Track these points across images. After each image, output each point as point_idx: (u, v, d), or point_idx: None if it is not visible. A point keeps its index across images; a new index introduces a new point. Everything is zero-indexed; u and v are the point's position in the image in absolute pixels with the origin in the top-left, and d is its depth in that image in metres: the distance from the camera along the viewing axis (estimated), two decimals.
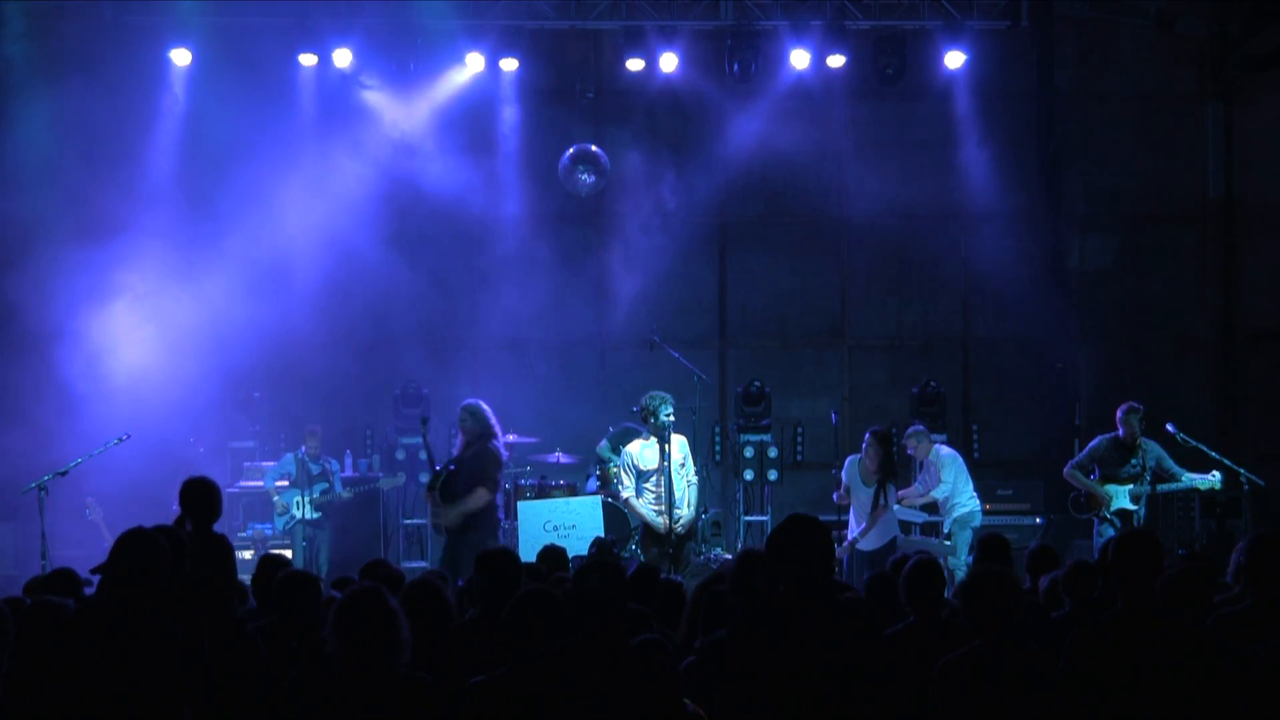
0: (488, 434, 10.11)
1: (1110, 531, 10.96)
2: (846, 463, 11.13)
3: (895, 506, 11.78)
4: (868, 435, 10.91)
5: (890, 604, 6.31)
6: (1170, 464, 11.27)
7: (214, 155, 13.44)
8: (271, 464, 12.92)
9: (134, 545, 4.96)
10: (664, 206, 14.55)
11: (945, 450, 12.00)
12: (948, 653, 5.15)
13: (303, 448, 12.54)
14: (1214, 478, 11.19)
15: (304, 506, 12.35)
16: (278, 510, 12.52)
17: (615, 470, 11.63)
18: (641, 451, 10.56)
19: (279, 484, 12.54)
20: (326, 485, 12.56)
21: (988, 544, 7.44)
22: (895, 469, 11.05)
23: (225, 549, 7.11)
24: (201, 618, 5.25)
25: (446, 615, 5.89)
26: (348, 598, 4.63)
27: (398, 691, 4.57)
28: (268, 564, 6.93)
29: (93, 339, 12.65)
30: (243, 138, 13.31)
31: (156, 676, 4.73)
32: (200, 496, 7.06)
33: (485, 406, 10.26)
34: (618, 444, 12.28)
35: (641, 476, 10.51)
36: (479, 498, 9.87)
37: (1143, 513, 11.26)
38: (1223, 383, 14.77)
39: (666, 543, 10.43)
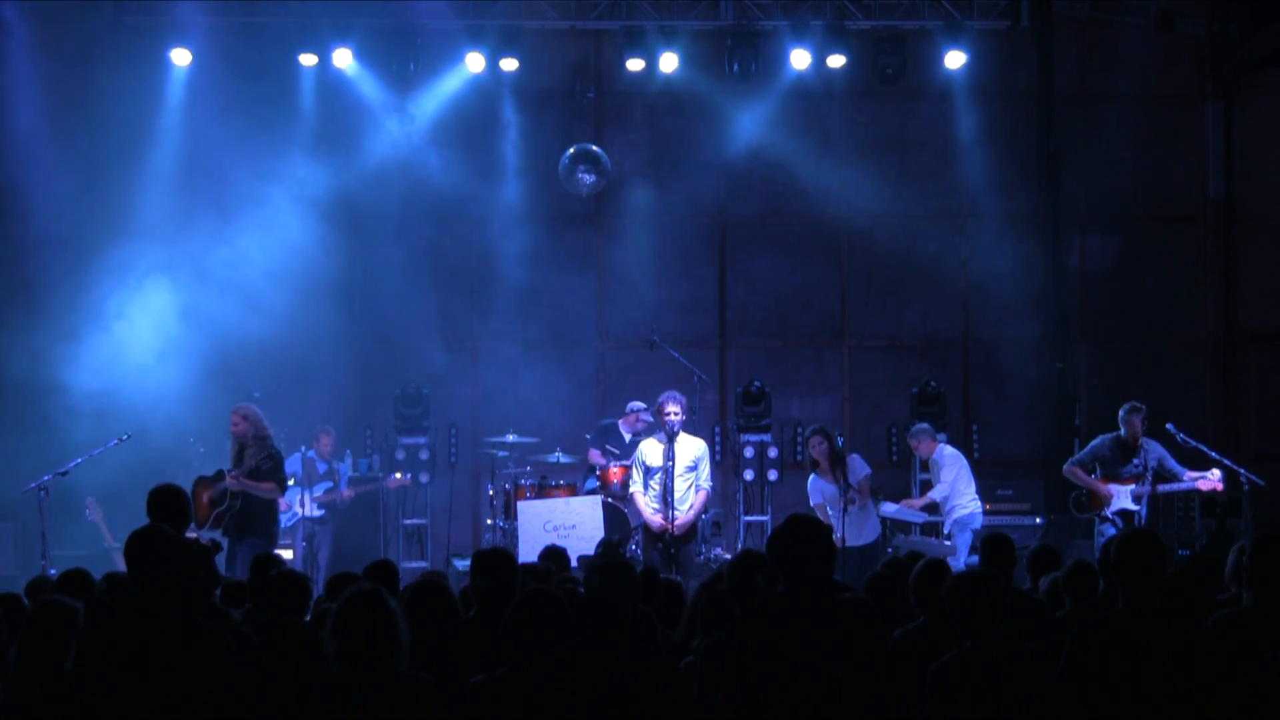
0: (266, 435, 10.46)
1: (1111, 531, 10.98)
2: (810, 486, 11.33)
3: (895, 506, 11.87)
4: (813, 438, 11.31)
5: (891, 604, 6.31)
6: (1172, 464, 11.28)
7: (214, 155, 13.44)
8: None
9: (162, 545, 4.95)
10: (664, 206, 14.55)
11: (948, 450, 12.05)
12: (947, 654, 5.16)
13: (312, 448, 12.53)
14: (1212, 476, 11.20)
15: (307, 503, 12.34)
16: (280, 508, 12.44)
17: (616, 470, 11.69)
18: (650, 449, 10.67)
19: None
20: (331, 484, 12.58)
21: (992, 543, 7.43)
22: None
23: (201, 553, 7.14)
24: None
25: (454, 615, 5.90)
26: (348, 598, 4.63)
27: (399, 691, 4.57)
28: (260, 564, 6.99)
29: (93, 338, 12.64)
30: (243, 138, 13.32)
31: (191, 676, 4.72)
32: (168, 503, 7.05)
33: (258, 409, 10.60)
34: (602, 444, 12.34)
35: (649, 473, 10.61)
36: (271, 490, 10.32)
37: (1144, 512, 11.27)
38: (1223, 383, 14.76)
39: (662, 542, 10.47)
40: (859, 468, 11.40)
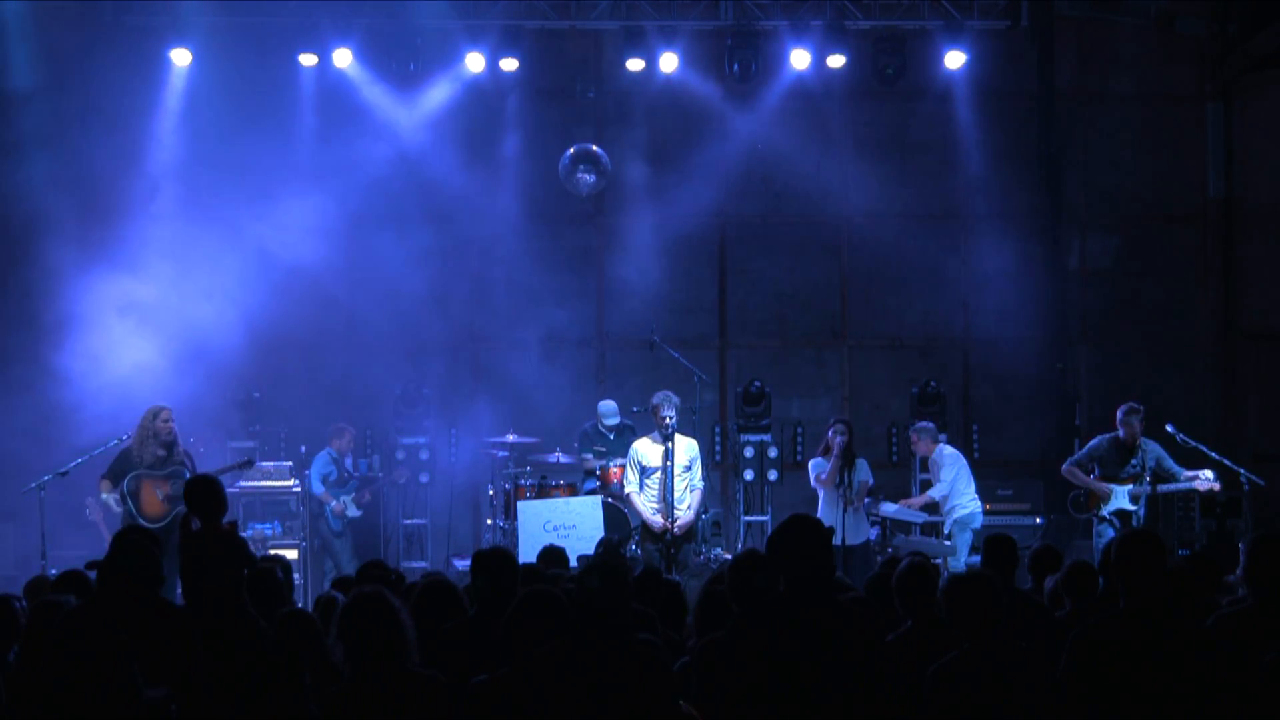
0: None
1: (1110, 532, 11.01)
2: (811, 465, 11.46)
3: (895, 506, 11.91)
4: (837, 424, 11.38)
5: (891, 605, 6.31)
6: (1170, 464, 11.30)
7: (214, 155, 13.44)
8: (271, 465, 12.91)
9: (133, 543, 4.98)
10: (664, 206, 14.54)
11: (948, 450, 12.07)
12: (945, 656, 5.16)
13: (332, 447, 12.73)
14: (1205, 474, 11.22)
15: (348, 504, 12.64)
16: (334, 512, 12.59)
17: (616, 469, 11.72)
18: (647, 449, 10.72)
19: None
20: (359, 483, 12.75)
21: (994, 544, 7.43)
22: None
23: (236, 542, 7.20)
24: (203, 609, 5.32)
25: (464, 615, 5.91)
26: (351, 602, 4.65)
27: (412, 690, 4.58)
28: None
29: (93, 339, 12.62)
30: (243, 138, 13.32)
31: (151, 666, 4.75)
32: (204, 494, 7.13)
33: None
34: (590, 447, 12.40)
35: (645, 473, 10.69)
36: None
37: (1142, 513, 11.29)
38: (1223, 383, 14.76)
39: (662, 541, 10.54)
40: (862, 472, 11.45)
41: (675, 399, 10.81)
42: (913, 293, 14.89)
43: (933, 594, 5.92)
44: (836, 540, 10.80)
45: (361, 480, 12.95)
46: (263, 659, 4.99)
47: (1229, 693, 4.81)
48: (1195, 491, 11.63)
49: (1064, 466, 11.59)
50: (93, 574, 6.78)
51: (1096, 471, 11.37)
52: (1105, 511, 11.27)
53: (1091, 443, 11.58)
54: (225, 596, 5.45)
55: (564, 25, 14.12)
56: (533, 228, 14.34)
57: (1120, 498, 11.23)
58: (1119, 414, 11.34)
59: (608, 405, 12.61)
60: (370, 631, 4.58)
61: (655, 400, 10.79)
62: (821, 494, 11.54)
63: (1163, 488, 11.34)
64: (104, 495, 10.71)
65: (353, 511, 12.69)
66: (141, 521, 10.48)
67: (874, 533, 11.84)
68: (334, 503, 12.56)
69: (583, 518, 11.29)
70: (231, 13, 13.44)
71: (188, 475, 10.17)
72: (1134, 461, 11.26)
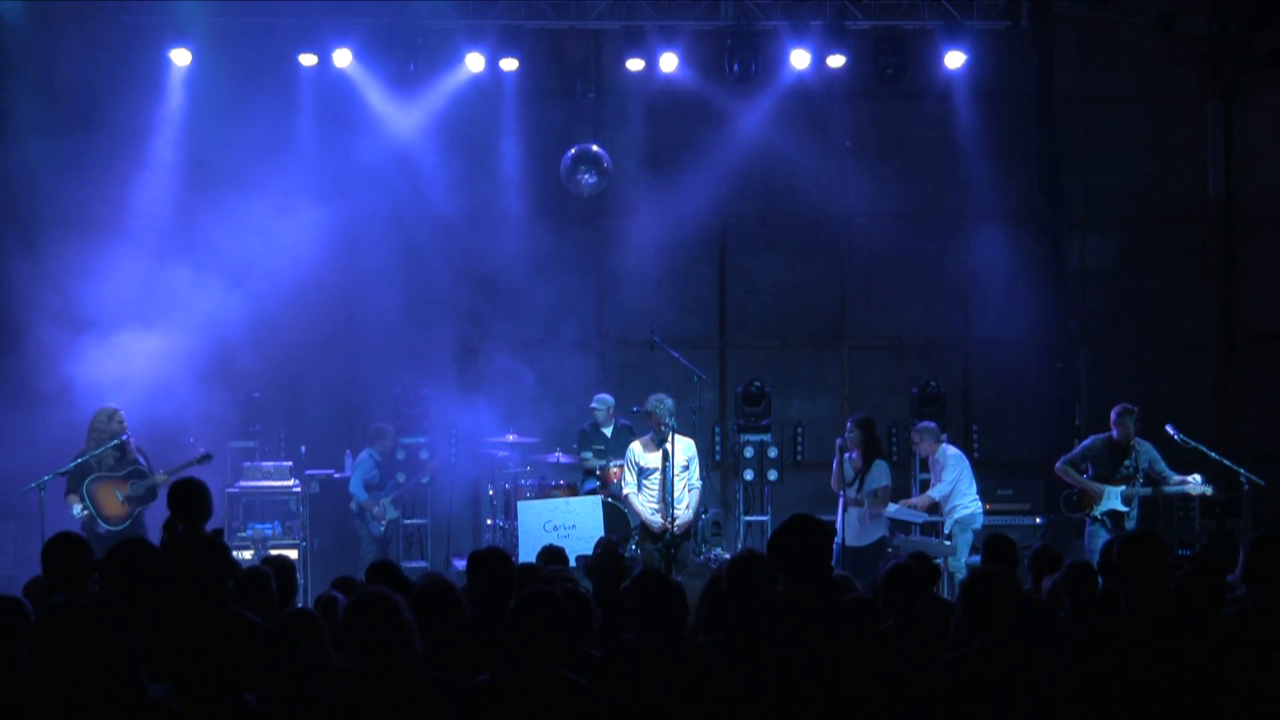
0: None
1: (1102, 532, 11.04)
2: (835, 463, 11.46)
3: (895, 506, 11.90)
4: (848, 422, 11.49)
5: None
6: (1162, 466, 11.32)
7: (213, 154, 13.43)
8: (271, 464, 12.92)
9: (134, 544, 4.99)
10: (664, 206, 14.54)
11: (952, 450, 12.07)
12: (925, 655, 5.17)
13: (374, 447, 12.87)
14: (1194, 480, 11.21)
15: (387, 507, 12.76)
16: (375, 516, 12.73)
17: (616, 469, 11.73)
18: (645, 450, 10.74)
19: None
20: (395, 484, 12.91)
21: (993, 544, 7.43)
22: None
23: (218, 547, 7.15)
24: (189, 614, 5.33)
25: (460, 614, 5.91)
26: (355, 602, 4.65)
27: (416, 691, 4.58)
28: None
29: (92, 339, 12.62)
30: (242, 138, 13.31)
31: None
32: (188, 497, 7.06)
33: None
34: (589, 447, 12.40)
35: (643, 474, 10.72)
36: None
37: (1135, 514, 11.28)
38: (1223, 383, 14.77)
39: (661, 542, 10.57)
40: (879, 476, 11.43)
41: (669, 402, 10.86)
42: (913, 293, 14.89)
43: (916, 595, 5.95)
44: (835, 540, 10.84)
45: (394, 484, 13.02)
46: (256, 658, 4.99)
47: (1230, 694, 4.81)
48: (1188, 494, 11.63)
49: (1057, 465, 11.62)
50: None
51: (1090, 471, 11.38)
52: (1098, 512, 11.27)
53: (1085, 442, 11.60)
54: (208, 600, 5.43)
55: (564, 25, 14.11)
56: (533, 228, 14.33)
57: (1112, 498, 11.24)
58: (1113, 415, 11.36)
59: (602, 397, 12.67)
60: (376, 630, 4.58)
61: (650, 405, 10.79)
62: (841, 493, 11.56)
63: (1165, 489, 11.35)
64: (70, 505, 10.75)
65: (391, 513, 12.84)
66: (102, 525, 10.53)
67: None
68: (376, 508, 12.66)
69: (583, 518, 11.31)
70: (231, 12, 13.44)
71: (145, 474, 10.30)
72: (1127, 463, 11.27)
